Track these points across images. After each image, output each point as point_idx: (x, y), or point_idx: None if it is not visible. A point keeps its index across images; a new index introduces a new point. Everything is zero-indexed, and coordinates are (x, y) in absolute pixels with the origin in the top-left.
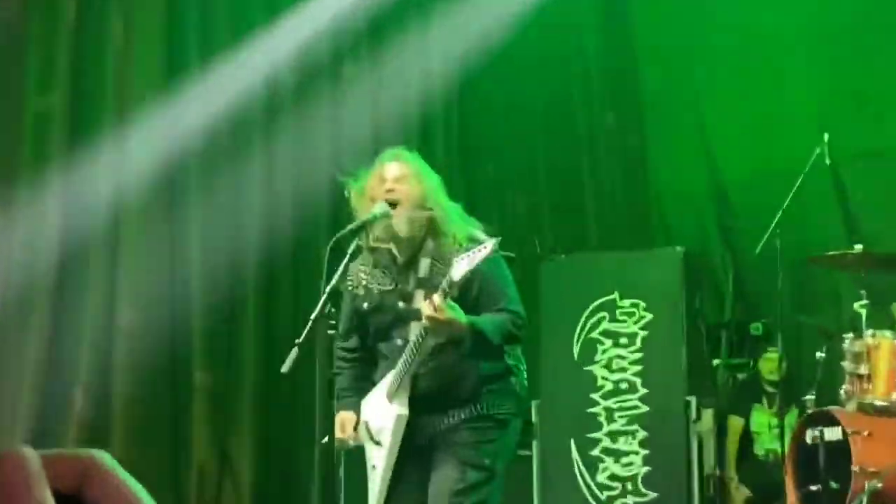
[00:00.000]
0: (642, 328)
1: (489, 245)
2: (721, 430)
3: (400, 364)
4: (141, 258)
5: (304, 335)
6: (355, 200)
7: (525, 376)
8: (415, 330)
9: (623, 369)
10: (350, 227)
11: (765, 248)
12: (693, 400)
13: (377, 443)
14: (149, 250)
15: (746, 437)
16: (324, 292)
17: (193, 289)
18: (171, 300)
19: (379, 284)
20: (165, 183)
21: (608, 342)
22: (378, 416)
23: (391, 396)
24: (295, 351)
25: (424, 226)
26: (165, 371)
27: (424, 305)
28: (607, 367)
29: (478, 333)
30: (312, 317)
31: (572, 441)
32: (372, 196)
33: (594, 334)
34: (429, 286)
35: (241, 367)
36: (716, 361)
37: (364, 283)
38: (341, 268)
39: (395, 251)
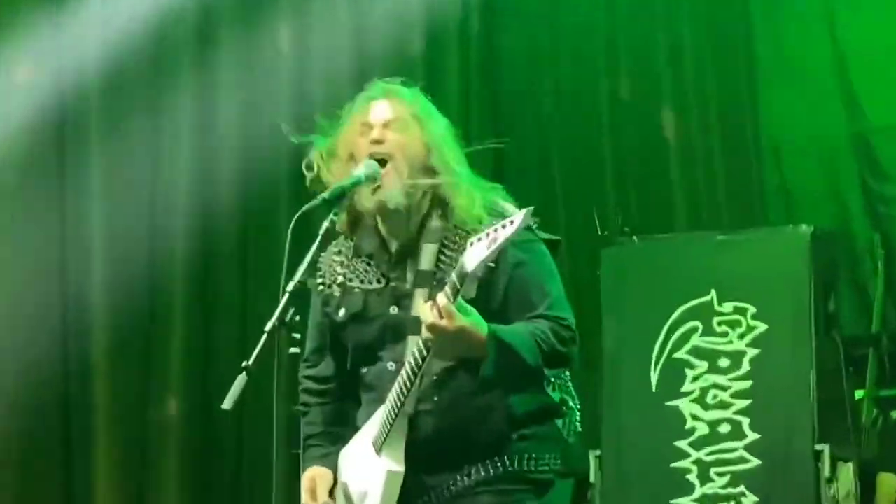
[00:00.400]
0: (751, 344)
1: (517, 218)
2: (867, 493)
3: (391, 398)
4: (17, 241)
5: (254, 355)
6: (325, 158)
7: (578, 417)
8: (413, 347)
9: (723, 405)
10: (323, 195)
11: None
12: (826, 449)
13: None
14: (28, 230)
15: None
16: (284, 291)
17: (93, 285)
18: (62, 302)
19: (362, 282)
20: (53, 132)
21: (702, 365)
22: (361, 475)
23: (379, 446)
24: (242, 378)
25: (428, 194)
26: (53, 407)
27: (425, 309)
28: (700, 401)
29: (504, 350)
30: (267, 328)
31: None
32: (351, 151)
33: (681, 353)
34: (434, 283)
35: (162, 400)
36: (859, 393)
37: (341, 280)
38: (309, 256)
39: (384, 233)
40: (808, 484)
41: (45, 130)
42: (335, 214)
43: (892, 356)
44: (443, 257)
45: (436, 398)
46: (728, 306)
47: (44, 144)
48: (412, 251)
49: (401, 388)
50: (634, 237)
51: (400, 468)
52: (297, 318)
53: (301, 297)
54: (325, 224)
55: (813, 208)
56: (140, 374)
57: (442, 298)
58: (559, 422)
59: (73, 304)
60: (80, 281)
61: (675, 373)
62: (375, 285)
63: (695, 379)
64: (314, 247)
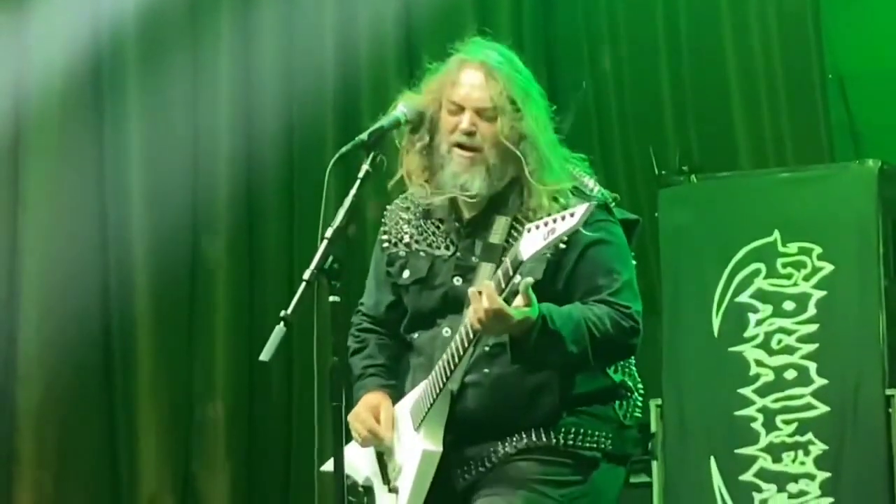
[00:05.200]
0: (817, 286)
1: (578, 212)
2: None
3: (437, 370)
4: (53, 193)
5: (293, 304)
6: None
7: (639, 402)
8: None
9: (789, 350)
10: (361, 136)
11: None
12: None
13: (392, 489)
14: (65, 181)
15: None
16: (322, 237)
17: (133, 242)
18: (103, 257)
19: (430, 245)
20: (88, 79)
21: (766, 309)
22: (398, 448)
23: (419, 422)
24: (280, 329)
25: (510, 177)
26: (94, 367)
27: (473, 295)
28: (765, 346)
29: (550, 336)
30: (306, 276)
31: (713, 460)
32: (434, 121)
33: (743, 297)
34: (501, 258)
35: (207, 358)
36: None
37: (407, 239)
38: (348, 201)
39: (459, 202)
40: (879, 430)
41: (83, 78)
42: (375, 156)
43: None
44: (514, 232)
45: (486, 370)
46: (792, 247)
47: (81, 92)
48: (485, 222)
49: (448, 360)
50: (693, 176)
51: (437, 448)
52: (336, 265)
53: (343, 244)
54: (365, 167)
55: (881, 143)
56: (181, 340)
57: (490, 285)
58: (618, 404)
59: (114, 256)
60: (120, 230)
61: (737, 317)
62: (443, 251)
63: (759, 323)
64: (353, 191)
